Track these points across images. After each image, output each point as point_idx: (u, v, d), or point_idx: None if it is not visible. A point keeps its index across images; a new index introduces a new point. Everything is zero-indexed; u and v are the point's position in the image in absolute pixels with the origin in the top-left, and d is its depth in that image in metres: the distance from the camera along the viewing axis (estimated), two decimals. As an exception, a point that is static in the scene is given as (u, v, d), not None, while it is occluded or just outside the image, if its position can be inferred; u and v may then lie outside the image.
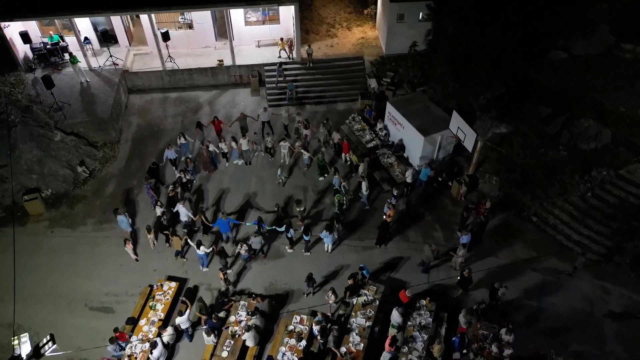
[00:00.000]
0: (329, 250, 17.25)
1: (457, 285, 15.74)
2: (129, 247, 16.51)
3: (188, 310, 14.50)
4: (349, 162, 20.21)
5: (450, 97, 19.47)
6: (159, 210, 17.09)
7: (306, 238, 16.84)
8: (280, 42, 23.71)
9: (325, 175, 19.72)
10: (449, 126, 18.49)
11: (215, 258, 16.76)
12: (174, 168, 19.64)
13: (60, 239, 17.86)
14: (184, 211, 17.04)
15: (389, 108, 20.26)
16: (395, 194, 18.42)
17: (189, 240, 16.43)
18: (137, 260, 16.97)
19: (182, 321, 14.36)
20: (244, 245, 16.36)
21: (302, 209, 17.95)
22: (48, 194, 19.07)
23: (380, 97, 22.74)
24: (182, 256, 17.08)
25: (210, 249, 16.38)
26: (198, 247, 15.97)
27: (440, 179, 19.19)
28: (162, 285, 15.74)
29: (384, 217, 17.29)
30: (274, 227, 17.13)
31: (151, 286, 15.97)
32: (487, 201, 17.29)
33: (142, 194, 19.07)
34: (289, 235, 16.82)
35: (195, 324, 15.04)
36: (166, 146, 19.43)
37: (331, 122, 21.01)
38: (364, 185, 18.16)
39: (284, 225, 16.61)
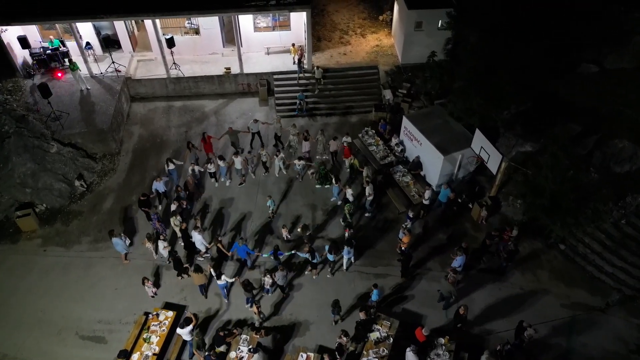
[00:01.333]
0: (346, 269, 16.25)
1: (453, 323, 14.48)
2: (148, 286, 15.20)
3: (191, 325, 13.51)
4: (348, 169, 19.37)
5: (472, 113, 18.09)
6: (161, 246, 15.76)
7: (331, 258, 15.93)
8: (292, 47, 22.52)
9: (327, 185, 18.72)
10: (470, 145, 17.16)
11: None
12: (165, 200, 18.11)
13: (53, 258, 16.78)
14: (199, 239, 15.85)
15: (406, 123, 18.96)
16: (411, 216, 17.16)
17: (211, 271, 15.01)
18: (153, 296, 15.62)
19: (184, 333, 13.48)
20: (270, 278, 15.02)
21: (308, 233, 16.68)
22: (42, 209, 18.02)
23: (395, 110, 21.46)
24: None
25: (233, 279, 15.26)
26: (219, 277, 14.77)
27: (459, 200, 17.82)
28: (157, 315, 14.58)
29: (400, 243, 16.03)
30: (293, 252, 16.17)
31: (147, 314, 14.80)
32: (514, 229, 15.92)
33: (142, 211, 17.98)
34: (315, 260, 15.67)
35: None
36: (155, 178, 17.80)
37: (328, 132, 20.11)
38: (368, 189, 17.19)
39: (308, 252, 15.45)
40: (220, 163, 18.23)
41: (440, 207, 17.81)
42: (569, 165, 16.84)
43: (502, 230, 16.11)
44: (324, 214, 18.21)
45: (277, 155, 18.75)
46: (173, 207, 16.70)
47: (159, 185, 17.59)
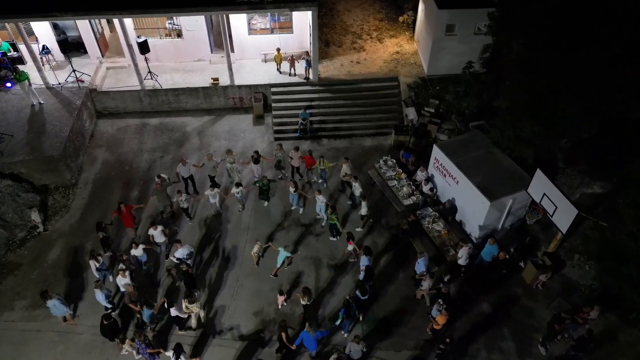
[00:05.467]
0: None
1: None
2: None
3: None
4: (312, 180, 16.36)
5: (524, 143, 13.92)
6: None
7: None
8: (276, 53, 18.51)
9: (267, 201, 15.75)
10: (526, 188, 12.99)
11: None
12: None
13: (-26, 331, 12.78)
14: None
15: (437, 153, 14.80)
16: (446, 280, 13.06)
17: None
18: None
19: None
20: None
21: (308, 302, 12.51)
22: (-33, 262, 14.04)
23: (420, 133, 17.31)
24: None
25: None
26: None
27: (507, 256, 13.59)
28: None
29: (432, 323, 11.91)
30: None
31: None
32: (594, 309, 11.72)
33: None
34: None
35: None
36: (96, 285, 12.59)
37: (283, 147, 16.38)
38: (355, 185, 14.85)
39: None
40: (180, 199, 14.51)
41: (482, 266, 13.65)
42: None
43: (576, 311, 11.88)
44: (330, 270, 14.13)
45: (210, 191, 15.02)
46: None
47: (100, 297, 12.43)
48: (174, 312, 12.03)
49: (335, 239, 14.70)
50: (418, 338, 12.58)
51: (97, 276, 13.05)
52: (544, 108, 13.58)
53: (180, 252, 13.16)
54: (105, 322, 11.75)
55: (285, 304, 13.26)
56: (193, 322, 12.70)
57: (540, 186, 12.36)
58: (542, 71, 13.71)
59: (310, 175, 16.53)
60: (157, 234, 13.65)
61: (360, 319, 12.85)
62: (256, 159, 15.62)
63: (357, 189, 14.95)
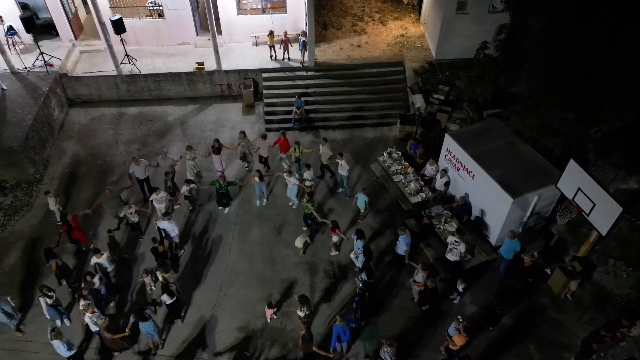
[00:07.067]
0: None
1: None
2: None
3: None
4: (287, 166, 14.33)
5: (551, 132, 12.08)
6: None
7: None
8: (268, 36, 16.66)
9: (227, 207, 13.71)
10: (555, 182, 11.15)
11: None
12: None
13: None
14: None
15: (449, 144, 12.95)
16: (462, 290, 11.25)
17: None
18: None
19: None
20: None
21: (306, 313, 10.68)
22: None
23: (429, 123, 15.49)
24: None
25: None
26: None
27: (532, 260, 11.71)
28: None
29: (448, 342, 10.09)
30: None
31: None
32: (637, 324, 9.88)
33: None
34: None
35: None
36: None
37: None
38: (342, 164, 13.16)
39: None
40: (129, 211, 12.28)
41: (501, 269, 11.84)
42: None
43: (616, 325, 10.03)
44: (327, 275, 12.31)
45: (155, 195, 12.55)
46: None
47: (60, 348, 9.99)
48: (165, 298, 10.58)
49: (306, 230, 12.96)
50: (430, 358, 10.76)
51: (49, 316, 10.82)
52: (575, 93, 11.80)
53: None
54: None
55: (275, 317, 11.44)
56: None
57: (573, 180, 10.52)
58: (571, 51, 11.93)
59: (285, 163, 14.39)
60: (104, 261, 11.22)
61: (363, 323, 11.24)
62: (217, 148, 13.65)
63: (343, 167, 13.21)
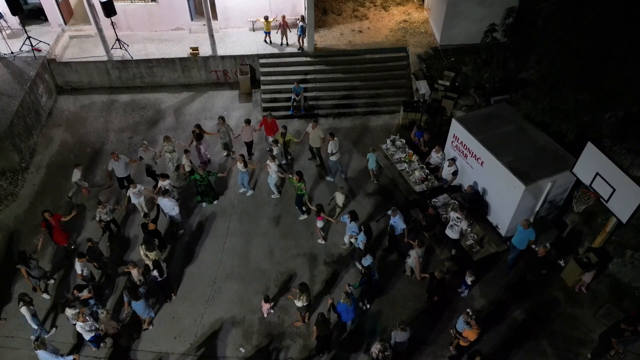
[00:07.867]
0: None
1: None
2: None
3: None
4: (271, 151, 13.25)
5: (565, 116, 11.40)
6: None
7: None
8: (264, 22, 15.97)
9: (210, 200, 12.93)
10: (571, 167, 10.48)
11: None
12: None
13: None
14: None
15: (457, 129, 12.27)
16: (470, 282, 10.59)
17: None
18: None
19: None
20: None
21: (304, 304, 10.01)
22: None
23: (434, 110, 14.83)
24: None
25: None
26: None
27: (547, 251, 11.02)
28: None
29: (458, 338, 9.41)
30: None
31: None
32: (660, 319, 9.22)
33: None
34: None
35: None
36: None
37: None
38: (332, 145, 12.64)
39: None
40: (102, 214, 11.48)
41: (509, 261, 11.20)
42: None
43: (639, 319, 9.34)
44: (328, 267, 11.64)
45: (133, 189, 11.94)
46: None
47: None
48: (156, 274, 10.22)
49: (304, 217, 12.49)
50: (436, 353, 10.10)
51: (34, 326, 10.01)
52: (591, 74, 11.16)
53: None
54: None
55: (272, 311, 10.77)
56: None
57: (591, 164, 9.85)
58: (587, 30, 11.29)
59: (270, 145, 13.44)
60: (81, 268, 10.39)
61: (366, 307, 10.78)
62: (198, 134, 12.91)
63: (335, 144, 12.59)
